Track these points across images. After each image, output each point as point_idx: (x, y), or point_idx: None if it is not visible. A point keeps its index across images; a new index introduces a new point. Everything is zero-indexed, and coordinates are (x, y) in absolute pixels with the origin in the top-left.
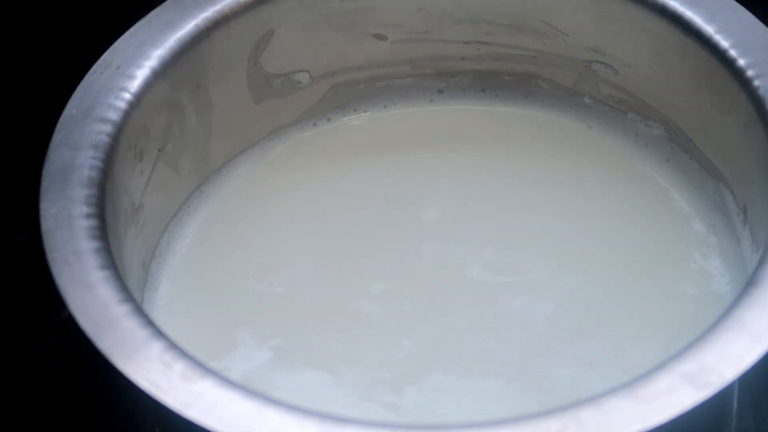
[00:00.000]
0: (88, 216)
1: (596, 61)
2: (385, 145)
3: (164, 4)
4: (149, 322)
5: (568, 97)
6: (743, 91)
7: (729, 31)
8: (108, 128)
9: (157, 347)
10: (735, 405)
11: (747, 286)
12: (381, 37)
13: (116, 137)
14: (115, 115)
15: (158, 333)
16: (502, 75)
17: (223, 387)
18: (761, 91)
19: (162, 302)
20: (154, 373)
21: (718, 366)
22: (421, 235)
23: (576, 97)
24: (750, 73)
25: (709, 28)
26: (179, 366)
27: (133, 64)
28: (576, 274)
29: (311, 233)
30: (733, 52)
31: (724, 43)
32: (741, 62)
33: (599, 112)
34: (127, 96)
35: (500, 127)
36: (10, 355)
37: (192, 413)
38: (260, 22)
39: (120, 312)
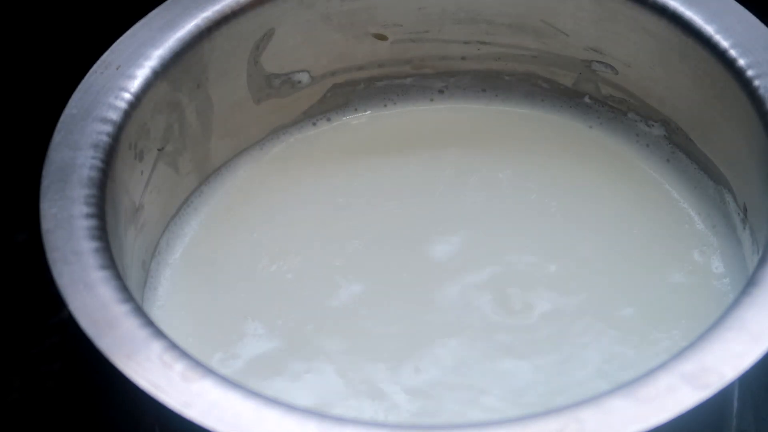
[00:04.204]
0: (88, 216)
1: (596, 61)
2: (385, 144)
3: (164, 4)
4: (149, 322)
5: (568, 97)
6: (743, 91)
7: (729, 31)
8: (108, 128)
9: (157, 347)
10: (735, 405)
11: (747, 286)
12: (381, 37)
13: (116, 137)
14: (115, 115)
15: (158, 333)
16: (502, 75)
17: (223, 387)
18: (761, 91)
19: (162, 302)
20: (154, 373)
21: (718, 366)
22: (422, 234)
23: (576, 97)
24: (750, 73)
25: (709, 28)
26: (179, 366)
27: (133, 64)
28: (575, 274)
29: (311, 232)
30: (733, 52)
31: (724, 43)
32: (741, 62)
33: (599, 112)
34: (127, 96)
35: (500, 127)
36: (10, 355)
37: (192, 413)
38: (260, 22)
39: (120, 312)
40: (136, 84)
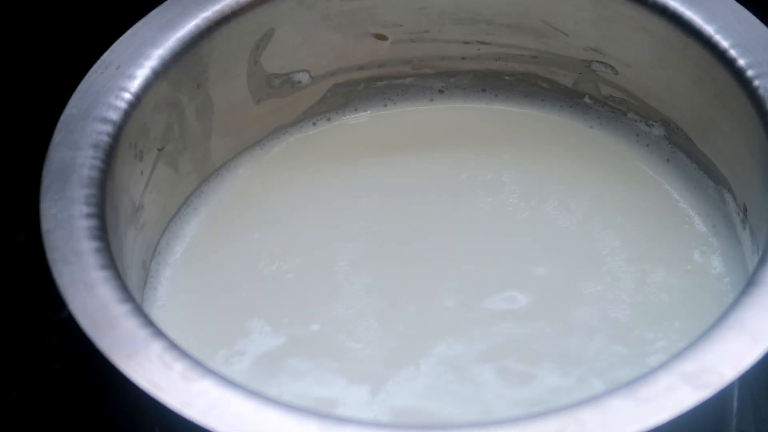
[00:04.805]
0: (88, 216)
1: (596, 61)
2: (385, 144)
3: (164, 4)
4: (149, 322)
5: (568, 97)
6: (743, 91)
7: (729, 31)
8: (108, 128)
9: (157, 347)
10: (735, 405)
11: (747, 286)
12: (381, 37)
13: (116, 137)
14: (115, 115)
15: (158, 333)
16: (502, 75)
17: (223, 387)
18: (761, 91)
19: (162, 302)
20: (154, 373)
21: (718, 366)
22: (422, 233)
23: (576, 97)
24: (750, 73)
25: (709, 28)
26: (179, 366)
27: (133, 64)
28: (575, 273)
29: (312, 232)
30: (733, 52)
31: (724, 43)
32: (741, 62)
33: (599, 112)
34: (127, 96)
35: (500, 127)
36: (10, 355)
37: (192, 413)
38: (260, 22)
39: (120, 312)
40: (136, 84)
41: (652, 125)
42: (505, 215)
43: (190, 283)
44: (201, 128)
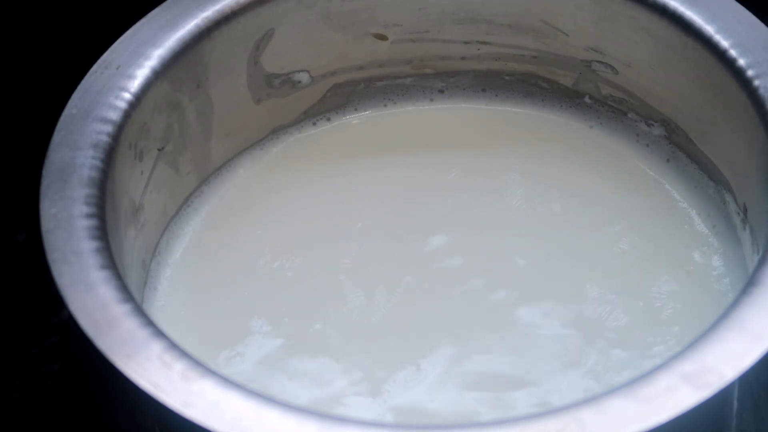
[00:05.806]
0: (88, 216)
1: (596, 61)
2: (385, 144)
3: (164, 4)
4: (149, 322)
5: (568, 97)
6: (743, 91)
7: (729, 31)
8: (108, 128)
9: (157, 347)
10: (735, 405)
11: (747, 286)
12: (381, 37)
13: (116, 137)
14: (115, 115)
15: (158, 333)
16: (502, 75)
17: (223, 387)
18: (761, 91)
19: (162, 302)
20: (154, 373)
21: (718, 366)
22: (422, 233)
23: (576, 97)
24: (750, 73)
25: (709, 28)
26: (179, 366)
27: (133, 64)
28: (575, 273)
29: (312, 232)
30: (733, 52)
31: (724, 43)
32: (741, 62)
33: (599, 112)
34: (127, 96)
35: (500, 127)
36: (10, 355)
37: (192, 413)
38: (260, 22)
39: (120, 312)
40: (136, 84)
41: (652, 125)
42: (506, 215)
43: (190, 283)
44: (201, 128)
